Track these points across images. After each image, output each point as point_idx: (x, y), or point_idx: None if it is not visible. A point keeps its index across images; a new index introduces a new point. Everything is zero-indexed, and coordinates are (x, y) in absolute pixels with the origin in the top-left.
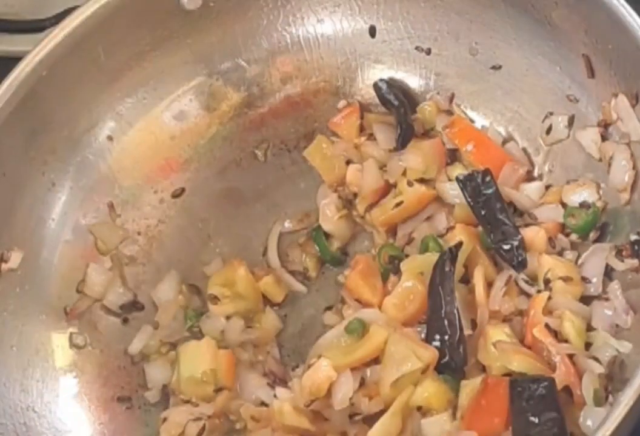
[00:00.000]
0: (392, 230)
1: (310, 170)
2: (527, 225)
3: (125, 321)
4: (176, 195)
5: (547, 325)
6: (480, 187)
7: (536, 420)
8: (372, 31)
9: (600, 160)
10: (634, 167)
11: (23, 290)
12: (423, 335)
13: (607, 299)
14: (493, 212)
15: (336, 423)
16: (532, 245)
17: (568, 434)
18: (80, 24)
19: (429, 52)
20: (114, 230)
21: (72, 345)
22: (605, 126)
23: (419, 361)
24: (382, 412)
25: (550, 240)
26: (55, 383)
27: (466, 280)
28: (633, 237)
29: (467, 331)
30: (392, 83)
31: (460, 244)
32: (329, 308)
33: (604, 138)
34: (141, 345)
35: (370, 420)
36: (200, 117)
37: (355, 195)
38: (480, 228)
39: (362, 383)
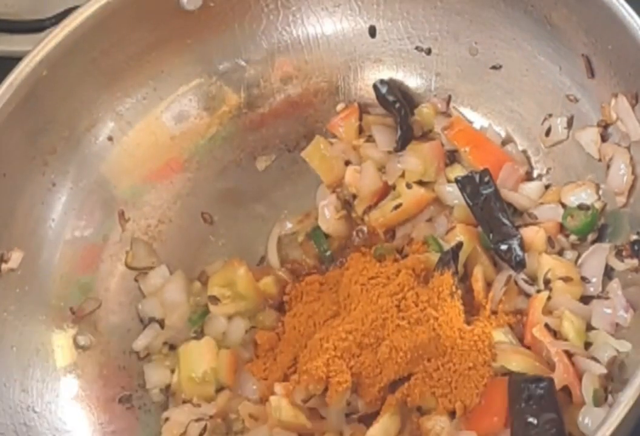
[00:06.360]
0: (390, 231)
1: (310, 170)
2: (526, 225)
3: None
4: (207, 220)
5: (546, 325)
6: (479, 187)
7: (535, 421)
8: (372, 31)
9: (600, 160)
10: (633, 172)
11: (23, 290)
12: None
13: (606, 298)
14: (492, 212)
15: (332, 421)
16: (532, 245)
17: (567, 435)
18: (80, 24)
19: (429, 52)
20: (149, 255)
21: (78, 346)
22: (605, 126)
23: None
24: (378, 412)
25: (550, 240)
26: (56, 384)
27: (466, 279)
28: (633, 237)
29: None
30: (392, 84)
31: (460, 244)
32: None
33: (603, 138)
34: (146, 341)
35: (367, 419)
36: (200, 118)
37: (354, 196)
38: (480, 228)
39: (359, 383)
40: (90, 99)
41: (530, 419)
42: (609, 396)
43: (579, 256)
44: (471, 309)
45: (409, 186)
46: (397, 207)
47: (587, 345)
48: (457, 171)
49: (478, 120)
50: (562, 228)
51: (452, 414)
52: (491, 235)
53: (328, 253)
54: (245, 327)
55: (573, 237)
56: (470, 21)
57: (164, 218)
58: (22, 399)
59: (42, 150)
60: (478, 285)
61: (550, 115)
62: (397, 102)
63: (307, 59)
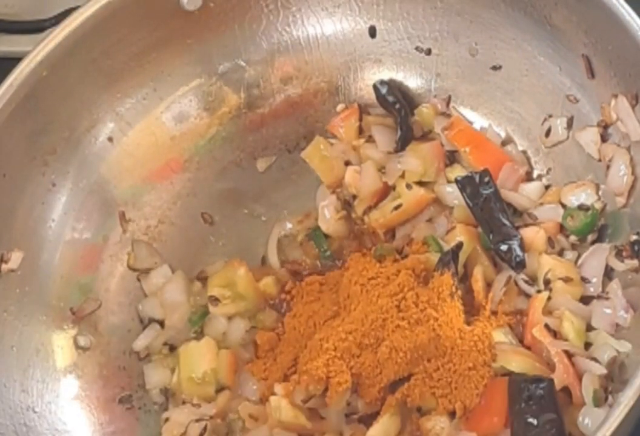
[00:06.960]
0: (390, 231)
1: (310, 170)
2: (526, 225)
3: None
4: (207, 221)
5: (546, 325)
6: (479, 187)
7: (535, 422)
8: (372, 31)
9: (600, 160)
10: (633, 173)
11: (23, 290)
12: None
13: (606, 298)
14: (492, 213)
15: (332, 422)
16: (532, 245)
17: (567, 435)
18: (81, 24)
19: (429, 52)
20: (151, 256)
21: (78, 347)
22: (605, 127)
23: None
24: (378, 412)
25: (550, 240)
26: (56, 384)
27: (466, 279)
28: (633, 238)
29: None
30: (392, 84)
31: (460, 245)
32: None
33: (603, 139)
34: (147, 341)
35: (367, 419)
36: (200, 118)
37: (354, 196)
38: (480, 228)
39: (359, 383)
40: (90, 100)
41: (530, 419)
42: (609, 397)
43: (579, 256)
44: (471, 309)
45: (409, 186)
46: (397, 207)
47: (587, 345)
48: (457, 171)
49: (478, 121)
50: (562, 228)
51: (452, 414)
52: (491, 236)
53: (328, 253)
54: (245, 327)
55: (573, 237)
56: (470, 21)
57: (164, 219)
58: (22, 399)
59: (42, 150)
60: (478, 285)
61: (550, 116)
62: (397, 102)
63: (307, 59)
